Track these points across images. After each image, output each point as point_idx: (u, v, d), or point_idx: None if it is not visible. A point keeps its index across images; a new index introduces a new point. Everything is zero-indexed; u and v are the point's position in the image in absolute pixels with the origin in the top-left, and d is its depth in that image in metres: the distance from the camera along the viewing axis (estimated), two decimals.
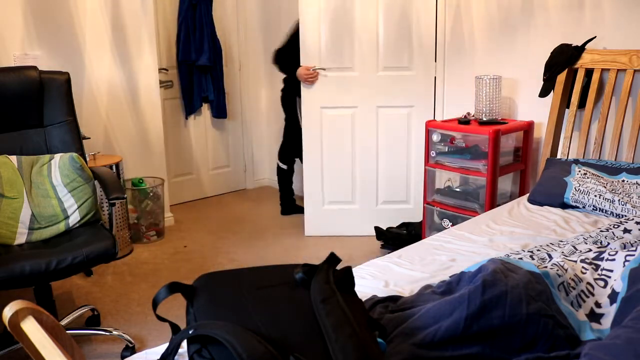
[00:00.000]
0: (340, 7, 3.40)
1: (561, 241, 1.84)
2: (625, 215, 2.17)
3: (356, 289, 1.25)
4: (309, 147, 3.56)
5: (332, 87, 3.47)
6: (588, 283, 1.41)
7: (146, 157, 3.73)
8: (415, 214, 3.58)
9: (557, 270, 1.40)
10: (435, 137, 2.99)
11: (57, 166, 2.37)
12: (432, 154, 3.01)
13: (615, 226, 1.85)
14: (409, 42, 3.41)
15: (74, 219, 2.32)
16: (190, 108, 4.24)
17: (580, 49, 2.64)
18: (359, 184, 3.61)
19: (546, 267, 1.42)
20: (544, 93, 2.75)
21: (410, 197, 3.59)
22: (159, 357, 1.09)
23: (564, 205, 2.38)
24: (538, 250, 1.71)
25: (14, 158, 2.36)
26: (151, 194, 3.57)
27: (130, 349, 2.30)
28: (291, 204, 4.11)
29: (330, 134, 3.55)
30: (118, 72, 3.51)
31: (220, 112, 4.38)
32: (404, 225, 3.40)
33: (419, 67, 3.42)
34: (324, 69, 3.45)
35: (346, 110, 3.51)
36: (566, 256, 1.57)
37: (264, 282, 1.17)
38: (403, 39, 3.41)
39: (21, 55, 3.14)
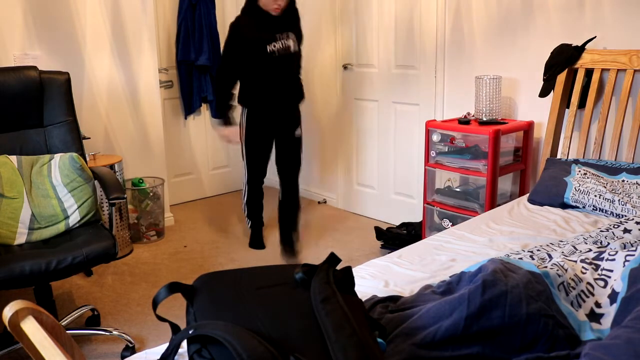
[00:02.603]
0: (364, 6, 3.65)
1: (561, 241, 1.84)
2: (625, 215, 2.17)
3: (356, 289, 1.25)
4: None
5: (361, 81, 3.86)
6: (588, 283, 1.41)
7: (146, 157, 3.73)
8: (418, 210, 3.60)
9: (557, 270, 1.40)
10: (435, 137, 2.99)
11: (57, 166, 2.37)
12: (432, 154, 3.01)
13: (615, 226, 1.85)
14: (412, 41, 3.46)
15: (74, 219, 2.32)
16: (190, 108, 4.24)
17: (580, 49, 2.64)
18: (377, 172, 3.91)
19: (546, 267, 1.42)
20: (544, 93, 2.75)
21: (414, 193, 3.63)
22: (159, 357, 1.09)
23: (564, 205, 2.38)
24: (538, 250, 1.71)
25: (14, 158, 2.36)
26: (151, 194, 3.57)
27: (130, 349, 2.30)
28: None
29: (360, 123, 3.97)
30: (118, 72, 3.51)
31: None
32: (404, 225, 3.40)
33: (421, 66, 3.45)
34: (351, 65, 3.90)
35: (370, 103, 3.85)
36: (566, 256, 1.57)
37: (264, 282, 1.17)
38: (409, 37, 3.48)
39: (21, 55, 3.14)
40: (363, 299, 1.47)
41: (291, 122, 3.31)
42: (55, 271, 2.00)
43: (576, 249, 1.66)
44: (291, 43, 3.14)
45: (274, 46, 3.07)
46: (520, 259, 1.57)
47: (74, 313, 2.45)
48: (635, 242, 1.71)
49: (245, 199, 3.47)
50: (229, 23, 3.14)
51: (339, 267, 1.24)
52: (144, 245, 3.52)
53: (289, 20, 3.16)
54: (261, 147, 3.31)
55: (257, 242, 3.49)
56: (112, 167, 3.27)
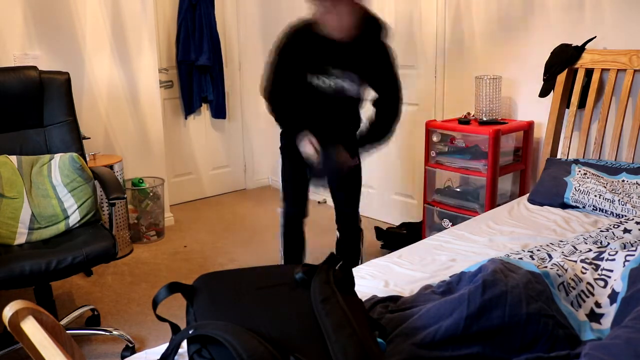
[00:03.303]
0: None
1: (561, 241, 1.84)
2: (625, 215, 2.17)
3: (356, 289, 1.25)
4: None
5: None
6: (588, 283, 1.41)
7: (146, 157, 3.73)
8: (418, 210, 3.60)
9: (557, 270, 1.40)
10: (435, 137, 2.99)
11: (57, 166, 2.37)
12: (432, 154, 3.01)
13: (615, 226, 1.85)
14: (413, 41, 3.46)
15: (74, 219, 2.32)
16: (190, 108, 4.24)
17: (580, 49, 2.64)
18: (377, 172, 3.90)
19: (546, 267, 1.42)
20: (544, 93, 2.75)
21: (414, 193, 3.63)
22: (159, 357, 1.09)
23: (564, 205, 2.38)
24: (538, 250, 1.71)
25: (14, 158, 2.36)
26: (151, 194, 3.57)
27: (130, 349, 2.30)
28: None
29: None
30: (118, 72, 3.51)
31: (219, 112, 4.37)
32: (404, 225, 3.40)
33: (421, 66, 3.45)
34: None
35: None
36: (566, 256, 1.57)
37: (264, 282, 1.17)
38: (409, 37, 3.48)
39: (21, 55, 3.14)
40: (363, 299, 1.47)
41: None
42: (55, 271, 2.00)
43: (576, 249, 1.66)
44: (348, 86, 2.32)
45: (321, 80, 2.30)
46: (520, 259, 1.57)
47: (74, 313, 2.45)
48: (635, 242, 1.71)
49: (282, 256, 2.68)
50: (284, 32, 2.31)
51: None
52: (144, 245, 3.52)
53: (359, 57, 2.29)
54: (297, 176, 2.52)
55: None
56: (112, 167, 3.27)
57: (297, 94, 2.35)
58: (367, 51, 2.30)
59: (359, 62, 2.30)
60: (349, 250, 2.73)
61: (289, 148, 2.45)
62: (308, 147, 2.30)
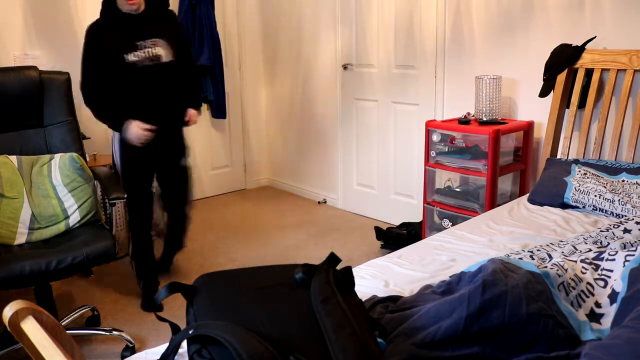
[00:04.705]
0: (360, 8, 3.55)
1: (561, 241, 1.84)
2: (625, 215, 2.17)
3: (356, 289, 1.25)
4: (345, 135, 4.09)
5: (361, 81, 3.87)
6: (588, 283, 1.41)
7: None
8: (418, 210, 3.60)
9: (557, 270, 1.40)
10: (435, 137, 2.99)
11: (57, 166, 2.37)
12: (432, 154, 3.01)
13: (615, 226, 1.85)
14: (413, 41, 3.46)
15: (74, 219, 2.32)
16: None
17: (580, 49, 2.64)
18: (377, 173, 3.91)
19: (546, 267, 1.42)
20: (544, 93, 2.75)
21: (414, 193, 3.63)
22: (159, 357, 1.09)
23: (564, 205, 2.38)
24: (538, 250, 1.71)
25: (14, 158, 2.36)
26: None
27: (130, 349, 2.30)
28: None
29: (360, 123, 3.99)
30: None
31: (219, 112, 4.37)
32: (404, 225, 3.40)
33: (421, 66, 3.45)
34: (351, 65, 3.89)
35: (370, 103, 3.85)
36: (566, 256, 1.57)
37: (264, 282, 1.17)
38: (409, 37, 3.48)
39: (21, 55, 3.14)
40: (363, 299, 1.47)
41: (173, 149, 2.76)
42: (55, 271, 2.00)
43: (576, 249, 1.66)
44: (161, 52, 2.56)
45: (136, 56, 2.51)
46: (520, 259, 1.57)
47: (74, 313, 2.45)
48: (635, 242, 1.71)
49: (130, 250, 2.77)
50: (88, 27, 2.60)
51: (339, 267, 1.24)
52: None
53: (159, 24, 2.59)
54: (140, 180, 2.69)
55: (151, 302, 2.68)
56: (112, 167, 3.26)
57: (115, 82, 2.56)
58: (162, 18, 2.64)
59: (161, 28, 2.59)
60: (175, 235, 3.00)
61: (126, 149, 2.65)
62: (140, 131, 2.55)
